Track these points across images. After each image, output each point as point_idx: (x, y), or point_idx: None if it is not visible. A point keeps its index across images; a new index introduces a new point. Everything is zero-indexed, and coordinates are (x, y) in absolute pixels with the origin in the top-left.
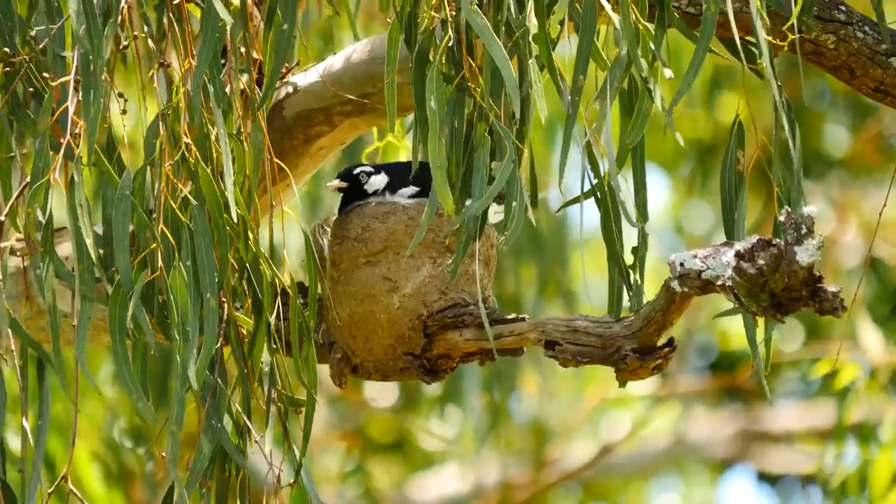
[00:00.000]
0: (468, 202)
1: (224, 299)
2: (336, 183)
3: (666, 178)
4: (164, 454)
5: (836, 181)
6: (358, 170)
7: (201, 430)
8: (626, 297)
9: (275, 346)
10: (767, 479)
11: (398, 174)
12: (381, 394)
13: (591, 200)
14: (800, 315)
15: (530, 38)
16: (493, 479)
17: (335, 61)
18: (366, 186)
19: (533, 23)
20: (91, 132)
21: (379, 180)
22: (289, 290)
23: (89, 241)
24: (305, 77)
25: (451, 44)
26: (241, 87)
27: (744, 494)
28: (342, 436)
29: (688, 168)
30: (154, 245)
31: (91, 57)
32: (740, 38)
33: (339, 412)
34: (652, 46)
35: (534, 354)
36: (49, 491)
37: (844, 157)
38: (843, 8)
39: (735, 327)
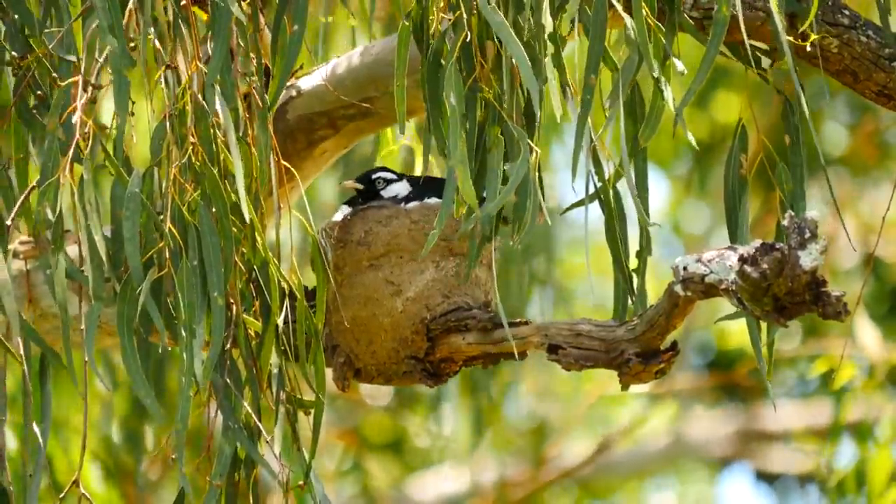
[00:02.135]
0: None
1: (232, 301)
2: (351, 183)
3: (663, 178)
4: (173, 456)
5: (833, 179)
6: (377, 175)
7: (221, 432)
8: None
9: (283, 348)
10: (765, 477)
11: (420, 185)
12: (378, 393)
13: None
14: None
15: (545, 36)
16: (490, 478)
17: (338, 65)
18: (382, 192)
19: (548, 21)
20: (120, 130)
21: (400, 188)
22: (297, 293)
23: (98, 238)
24: (309, 80)
25: (464, 42)
26: (247, 90)
27: (742, 493)
28: (339, 434)
29: (684, 167)
30: (162, 243)
31: (119, 55)
32: (742, 42)
33: (336, 411)
34: (664, 42)
35: (531, 353)
36: (61, 496)
37: (842, 155)
38: (846, 12)
39: (733, 326)
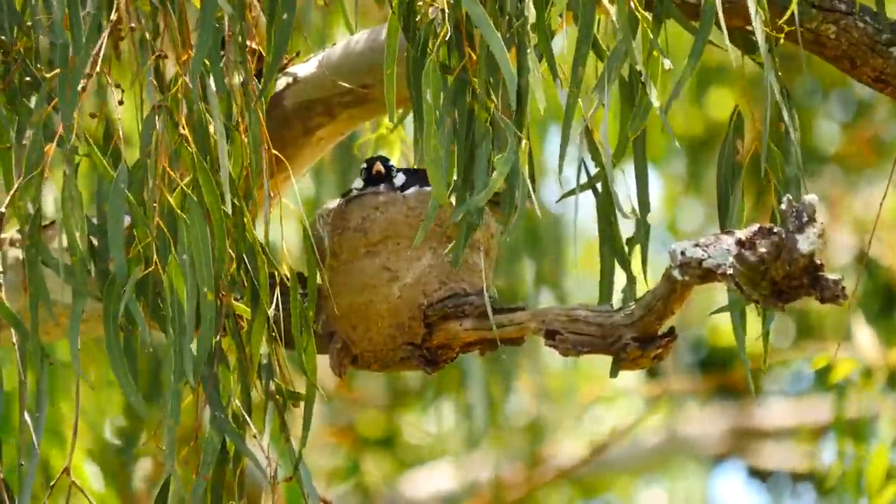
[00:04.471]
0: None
1: (224, 293)
2: (378, 166)
3: (657, 175)
4: (163, 447)
5: (826, 177)
6: (391, 162)
7: (207, 422)
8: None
9: (273, 334)
10: (758, 475)
11: (416, 178)
12: (373, 390)
13: (590, 194)
14: (791, 312)
15: (528, 27)
16: (486, 476)
17: (335, 52)
18: (395, 179)
19: (531, 12)
20: (66, 121)
21: (398, 180)
22: (287, 282)
23: (79, 234)
24: (305, 68)
25: (449, 35)
26: (241, 78)
27: (735, 491)
28: (333, 432)
29: (678, 164)
30: (150, 239)
31: (71, 47)
32: (739, 27)
33: (330, 409)
34: (651, 35)
35: (529, 351)
36: (52, 483)
37: (835, 153)
38: None
39: (727, 323)
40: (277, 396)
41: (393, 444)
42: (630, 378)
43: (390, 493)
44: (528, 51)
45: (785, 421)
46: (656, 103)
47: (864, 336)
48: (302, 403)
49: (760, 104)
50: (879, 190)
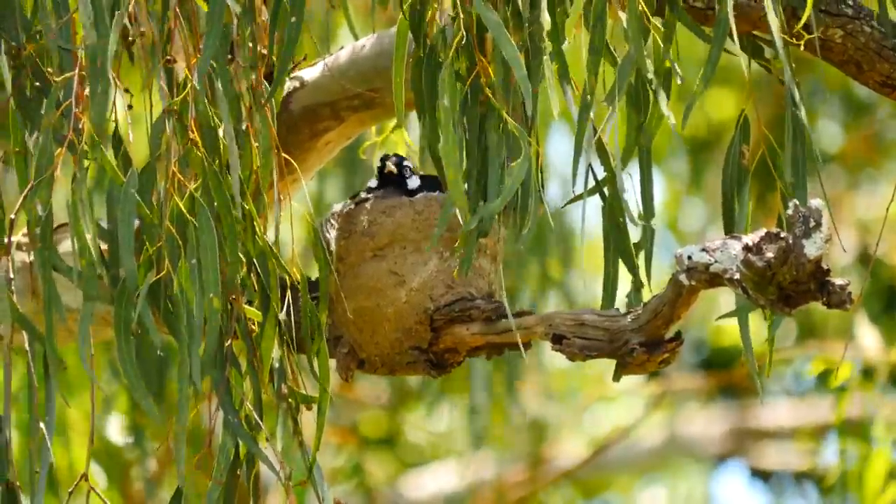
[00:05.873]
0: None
1: (234, 295)
2: (392, 165)
3: (658, 174)
4: (174, 450)
5: (828, 178)
6: (406, 163)
7: (220, 426)
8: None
9: (284, 338)
10: (760, 475)
11: (430, 183)
12: (375, 390)
13: (596, 200)
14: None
15: (544, 33)
16: (488, 477)
17: (342, 56)
18: (408, 180)
19: (546, 20)
20: (99, 129)
21: (413, 182)
22: (298, 285)
23: (90, 237)
24: (312, 72)
25: (462, 42)
26: (250, 81)
27: (736, 491)
28: (336, 432)
29: (679, 164)
30: (160, 243)
31: (97, 52)
32: (747, 32)
33: (333, 409)
34: (661, 43)
35: (531, 352)
36: (70, 490)
37: (837, 153)
38: (850, 2)
39: (729, 323)
40: (289, 400)
41: (395, 444)
42: (632, 378)
43: (392, 493)
44: (544, 57)
45: (786, 421)
46: (667, 112)
47: (867, 335)
48: (314, 406)
49: (765, 107)
50: (881, 189)
